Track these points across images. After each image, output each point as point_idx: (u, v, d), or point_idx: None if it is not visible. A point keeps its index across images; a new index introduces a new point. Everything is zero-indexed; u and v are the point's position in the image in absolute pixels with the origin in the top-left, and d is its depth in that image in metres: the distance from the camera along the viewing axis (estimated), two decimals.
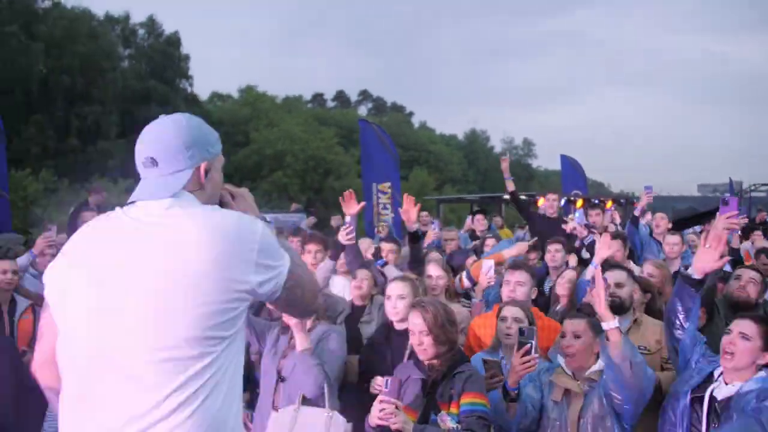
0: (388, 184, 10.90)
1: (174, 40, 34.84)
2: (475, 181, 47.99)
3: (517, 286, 3.93)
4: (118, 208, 1.69)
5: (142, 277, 1.53)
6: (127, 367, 1.51)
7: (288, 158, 32.54)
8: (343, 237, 4.38)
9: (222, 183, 1.85)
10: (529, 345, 2.94)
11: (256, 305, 3.81)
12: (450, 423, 2.81)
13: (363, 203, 4.96)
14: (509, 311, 3.51)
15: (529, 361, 2.92)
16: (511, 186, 7.46)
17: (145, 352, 1.50)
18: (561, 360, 3.11)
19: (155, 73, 33.08)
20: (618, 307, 3.65)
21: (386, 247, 5.26)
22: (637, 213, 7.01)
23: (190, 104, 31.41)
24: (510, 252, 5.04)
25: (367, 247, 5.91)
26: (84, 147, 26.94)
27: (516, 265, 4.20)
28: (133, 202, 1.67)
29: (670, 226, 7.21)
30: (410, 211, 4.73)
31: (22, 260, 5.19)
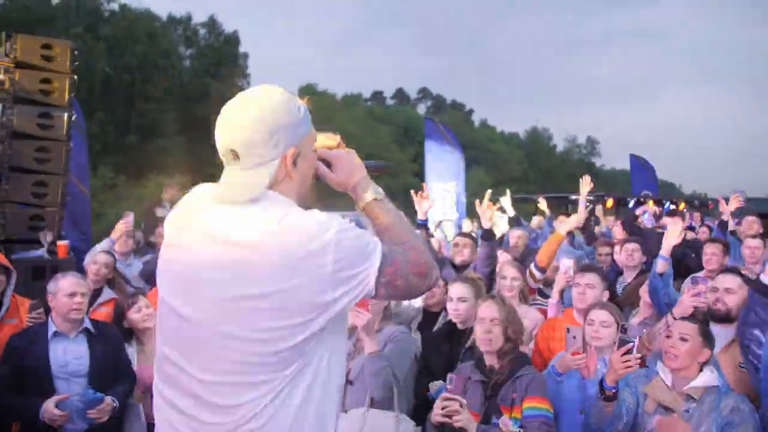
0: (454, 183, 10.92)
1: (232, 40, 35.98)
2: (536, 180, 47.28)
3: (588, 288, 3.87)
4: (204, 204, 1.61)
5: (203, 291, 1.51)
6: (186, 382, 1.54)
7: None
8: None
9: (315, 159, 1.69)
10: (630, 344, 2.88)
11: None
12: (512, 427, 2.85)
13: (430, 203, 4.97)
14: (596, 315, 3.39)
15: (629, 360, 2.85)
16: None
17: (198, 371, 1.51)
18: (660, 368, 2.98)
19: (214, 72, 34.15)
20: (722, 317, 3.55)
21: (461, 242, 5.27)
22: (725, 218, 6.73)
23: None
24: (569, 224, 4.99)
25: (436, 246, 6.05)
26: (142, 144, 28.01)
27: (586, 267, 4.18)
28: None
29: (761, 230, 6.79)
30: (485, 211, 4.74)
31: (103, 246, 5.48)
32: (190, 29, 35.70)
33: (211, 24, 36.01)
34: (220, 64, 34.95)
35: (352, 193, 1.73)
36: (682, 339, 2.89)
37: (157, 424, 1.63)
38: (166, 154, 25.73)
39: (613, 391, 2.91)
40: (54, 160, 5.58)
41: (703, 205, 16.30)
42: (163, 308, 1.62)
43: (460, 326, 3.71)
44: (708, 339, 2.92)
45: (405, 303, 4.50)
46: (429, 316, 4.35)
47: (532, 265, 4.68)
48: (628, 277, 5.58)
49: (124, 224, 5.72)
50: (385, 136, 36.23)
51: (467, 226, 9.36)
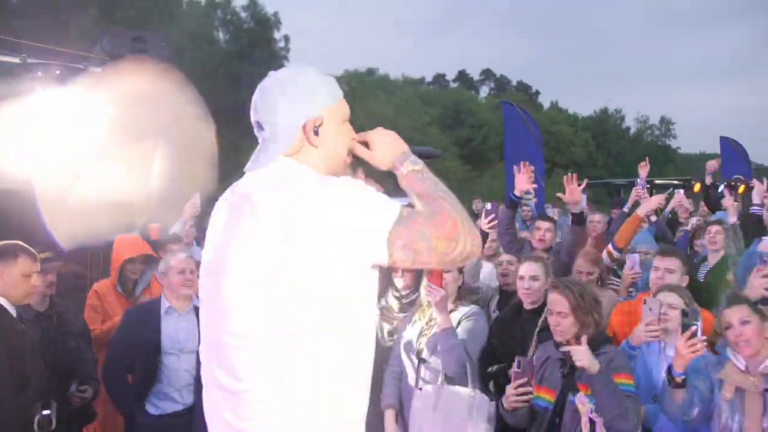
0: (532, 168, 11.26)
1: (267, 21, 36.82)
2: (605, 164, 46.59)
3: (666, 273, 4.04)
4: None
5: (227, 260, 1.67)
6: (216, 354, 1.71)
7: None
8: (484, 225, 4.61)
9: (347, 135, 1.84)
10: (694, 327, 3.02)
11: None
12: (589, 404, 3.03)
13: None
14: (665, 297, 3.60)
15: (695, 344, 3.00)
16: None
17: (225, 334, 1.66)
18: (732, 353, 3.13)
19: (248, 56, 34.91)
20: None
21: (543, 225, 5.52)
22: None
23: None
24: (645, 207, 5.16)
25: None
26: None
27: (666, 251, 4.32)
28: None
29: None
30: (575, 191, 4.80)
31: (176, 228, 5.87)
32: (230, 10, 36.65)
33: (253, 7, 37.02)
34: (255, 47, 35.70)
35: (394, 170, 1.84)
36: (744, 323, 3.05)
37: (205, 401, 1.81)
38: None
39: (682, 377, 3.06)
40: None
41: None
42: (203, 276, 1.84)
43: (529, 306, 3.94)
44: (762, 313, 3.10)
45: (484, 282, 4.75)
46: (507, 294, 4.62)
47: (610, 245, 4.90)
48: (712, 261, 5.69)
49: (191, 206, 5.93)
50: (421, 119, 36.42)
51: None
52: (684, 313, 3.16)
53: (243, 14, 37.38)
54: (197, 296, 3.98)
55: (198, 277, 3.96)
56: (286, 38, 38.71)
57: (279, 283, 1.57)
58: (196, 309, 4.03)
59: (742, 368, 3.06)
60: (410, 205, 1.71)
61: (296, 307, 1.57)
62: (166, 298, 4.09)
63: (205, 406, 1.78)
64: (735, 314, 3.11)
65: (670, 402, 3.10)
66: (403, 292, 4.12)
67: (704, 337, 3.05)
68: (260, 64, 34.51)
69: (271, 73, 1.82)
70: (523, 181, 5.02)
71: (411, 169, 1.79)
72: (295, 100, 1.74)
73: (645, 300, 3.42)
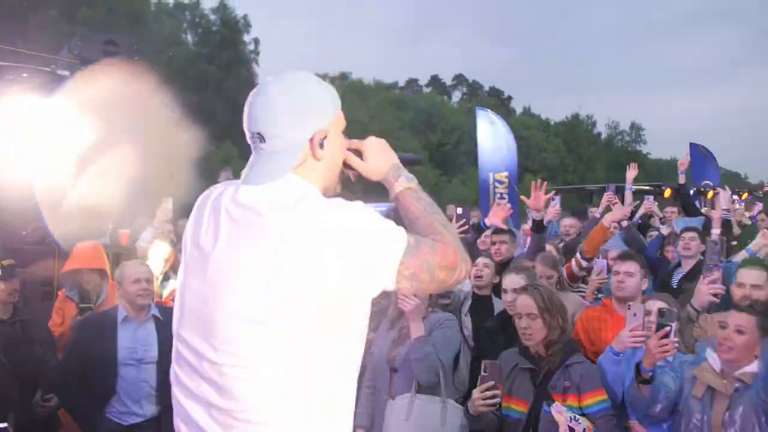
0: (506, 173, 11.53)
1: (236, 24, 36.71)
2: (576, 170, 47.19)
3: (626, 276, 4.08)
4: (227, 187, 1.77)
5: (229, 273, 1.64)
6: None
7: None
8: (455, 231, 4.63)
9: (344, 146, 1.82)
10: (669, 328, 3.08)
11: None
12: (566, 413, 3.09)
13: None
14: (652, 304, 3.57)
15: (667, 344, 3.05)
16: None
17: (209, 351, 1.65)
18: (710, 354, 3.14)
19: (215, 58, 34.73)
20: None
21: (497, 238, 5.57)
22: None
23: (246, 89, 33.00)
24: (612, 216, 5.17)
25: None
26: None
27: (624, 255, 4.37)
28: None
29: None
30: (540, 198, 4.90)
31: (147, 234, 5.82)
32: (198, 13, 36.48)
33: (222, 9, 36.85)
34: (223, 49, 35.54)
35: (385, 182, 1.85)
36: (739, 331, 3.03)
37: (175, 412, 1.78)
38: None
39: (650, 374, 3.10)
40: None
41: None
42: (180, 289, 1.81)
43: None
44: (763, 331, 3.03)
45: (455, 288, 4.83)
46: (479, 300, 4.67)
47: (578, 253, 4.97)
48: (686, 267, 5.75)
49: (163, 212, 5.93)
50: (393, 122, 36.74)
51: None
52: (660, 312, 3.19)
53: (212, 17, 37.22)
54: (155, 305, 4.03)
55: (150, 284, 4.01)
56: (256, 41, 38.76)
57: (275, 285, 1.57)
58: (155, 318, 4.02)
59: (717, 370, 3.09)
60: (392, 216, 1.73)
61: (291, 306, 1.57)
62: (123, 307, 4.02)
63: (178, 411, 1.75)
64: (735, 319, 3.10)
65: (635, 396, 3.15)
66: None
67: (676, 339, 3.11)
68: (228, 67, 34.36)
69: (269, 81, 1.75)
70: (497, 215, 5.13)
71: (406, 187, 1.82)
72: (303, 113, 1.70)
73: (629, 305, 3.47)
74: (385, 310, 4.41)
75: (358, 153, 1.85)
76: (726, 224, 6.47)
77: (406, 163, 1.91)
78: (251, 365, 1.60)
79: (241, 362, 1.60)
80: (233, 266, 1.63)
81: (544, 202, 4.94)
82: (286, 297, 1.57)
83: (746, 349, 3.03)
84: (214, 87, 31.82)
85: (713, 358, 3.13)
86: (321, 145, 1.72)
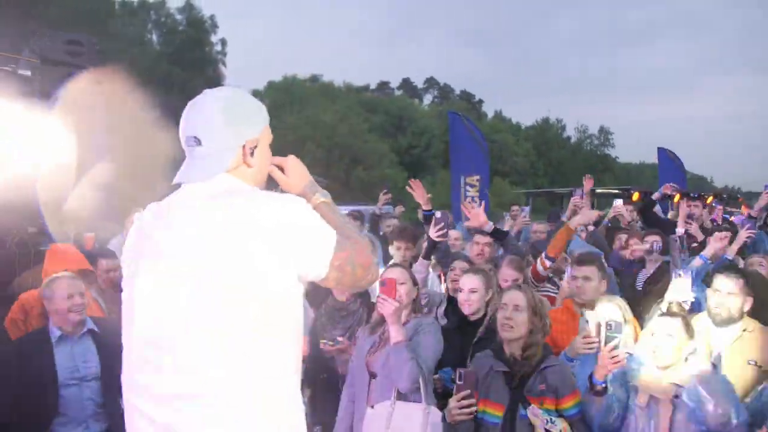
0: (477, 177, 11.77)
1: (202, 24, 36.38)
2: (546, 174, 47.81)
3: (584, 281, 4.19)
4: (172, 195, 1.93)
5: (173, 265, 1.77)
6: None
7: (309, 145, 33.62)
8: (434, 234, 4.68)
9: (269, 158, 2.05)
10: (617, 340, 3.22)
11: None
12: (543, 416, 3.15)
13: (429, 195, 5.56)
14: (603, 309, 3.74)
15: (617, 355, 3.20)
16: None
17: (152, 353, 1.78)
18: (648, 360, 3.26)
19: (180, 58, 34.40)
20: (724, 321, 3.82)
21: (481, 240, 5.63)
22: (754, 213, 7.08)
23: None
24: (576, 220, 5.23)
25: (456, 237, 6.66)
26: None
27: (582, 259, 4.42)
28: (179, 184, 1.92)
29: None
30: (479, 215, 5.14)
31: (115, 242, 5.81)
32: (164, 12, 36.11)
33: (188, 9, 36.71)
34: (188, 50, 35.24)
35: (303, 196, 2.03)
36: (669, 335, 3.20)
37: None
38: None
39: (603, 385, 3.24)
40: None
41: (732, 199, 16.78)
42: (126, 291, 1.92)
43: (471, 318, 4.08)
44: (690, 331, 3.25)
45: (431, 289, 4.83)
46: (454, 301, 4.61)
47: (543, 254, 5.04)
48: (650, 269, 5.95)
49: (132, 223, 5.85)
50: (361, 124, 36.92)
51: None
52: (608, 325, 3.30)
53: (178, 16, 36.85)
54: (89, 318, 3.90)
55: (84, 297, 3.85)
56: (223, 42, 38.44)
57: (215, 287, 1.71)
58: (92, 331, 3.87)
59: (657, 376, 3.20)
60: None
61: (231, 308, 1.71)
62: (55, 325, 3.82)
63: (127, 414, 1.85)
64: (663, 325, 3.25)
65: (590, 407, 3.25)
66: (339, 306, 4.26)
67: (626, 350, 3.25)
68: (193, 67, 34.05)
69: (208, 92, 1.95)
70: (477, 218, 5.19)
71: (321, 201, 2.09)
72: (237, 121, 1.90)
73: (582, 313, 3.56)
74: (361, 318, 4.41)
75: (281, 168, 2.13)
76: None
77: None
78: (193, 367, 1.72)
79: (184, 365, 1.72)
80: (174, 269, 1.76)
81: (483, 217, 5.17)
82: (226, 298, 1.71)
83: (677, 351, 3.18)
84: (179, 87, 31.55)
85: (650, 363, 3.25)
86: (252, 153, 1.93)
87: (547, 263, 4.99)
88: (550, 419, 3.17)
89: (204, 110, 1.89)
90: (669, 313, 3.43)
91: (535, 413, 3.18)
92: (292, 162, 2.15)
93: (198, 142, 1.87)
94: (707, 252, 5.11)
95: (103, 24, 29.82)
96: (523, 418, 3.20)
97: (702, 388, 3.01)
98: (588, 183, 7.73)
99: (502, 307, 3.46)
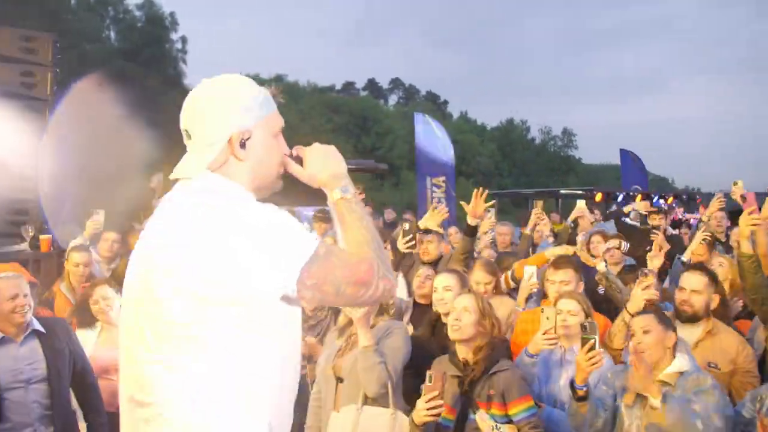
0: (443, 178, 11.82)
1: (162, 21, 35.89)
2: (510, 174, 48.33)
3: (562, 286, 4.25)
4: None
5: (145, 263, 1.72)
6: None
7: None
8: (402, 246, 4.63)
9: (278, 149, 1.86)
10: (592, 341, 3.22)
11: None
12: (489, 421, 3.22)
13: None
14: (564, 304, 3.82)
15: (594, 356, 3.19)
16: None
17: (137, 347, 1.71)
18: (630, 361, 3.25)
19: (137, 55, 33.87)
20: (690, 318, 3.92)
21: (425, 238, 5.67)
22: (705, 219, 7.20)
23: (170, 88, 32.44)
24: (553, 251, 5.31)
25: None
26: None
27: (558, 263, 4.47)
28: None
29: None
30: (480, 206, 5.03)
31: (76, 242, 5.51)
32: (122, 7, 35.59)
33: (148, 6, 36.08)
34: (147, 46, 34.74)
35: (324, 190, 1.88)
36: (645, 332, 3.23)
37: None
38: None
39: (585, 389, 3.25)
40: None
41: (691, 200, 17.17)
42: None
43: (444, 319, 4.04)
44: (667, 323, 3.29)
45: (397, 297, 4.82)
46: (420, 308, 4.69)
47: (508, 274, 5.11)
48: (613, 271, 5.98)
49: (93, 224, 5.73)
50: (324, 125, 36.97)
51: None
52: (582, 327, 3.32)
53: (137, 13, 36.29)
54: (36, 319, 3.81)
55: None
56: (183, 39, 37.93)
57: (196, 282, 1.60)
58: (37, 332, 3.78)
59: (642, 375, 3.17)
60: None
61: (211, 303, 1.61)
62: None
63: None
64: (638, 323, 3.29)
65: (575, 414, 3.26)
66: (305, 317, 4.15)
67: (602, 350, 3.26)
68: (150, 64, 33.53)
69: (203, 81, 1.82)
70: (433, 219, 5.35)
71: (341, 197, 1.83)
72: (222, 111, 1.75)
73: (543, 309, 3.62)
74: (329, 327, 4.41)
75: (300, 161, 1.89)
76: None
77: (364, 170, 1.99)
78: (174, 362, 1.65)
79: (163, 359, 1.65)
80: (157, 263, 1.67)
81: (483, 210, 5.10)
82: (206, 293, 1.60)
83: (659, 345, 3.21)
84: (139, 84, 31.04)
85: (634, 363, 3.23)
86: (243, 146, 1.76)
87: (512, 283, 5.09)
88: (496, 425, 3.24)
89: (193, 100, 1.78)
90: (641, 311, 3.49)
91: (482, 418, 3.25)
92: (314, 151, 1.89)
93: (188, 135, 1.78)
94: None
95: (57, 19, 29.17)
96: (472, 422, 3.27)
97: (690, 391, 3.04)
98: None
99: (452, 310, 3.53)
